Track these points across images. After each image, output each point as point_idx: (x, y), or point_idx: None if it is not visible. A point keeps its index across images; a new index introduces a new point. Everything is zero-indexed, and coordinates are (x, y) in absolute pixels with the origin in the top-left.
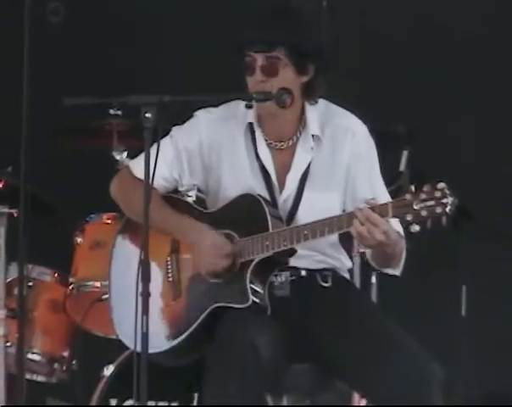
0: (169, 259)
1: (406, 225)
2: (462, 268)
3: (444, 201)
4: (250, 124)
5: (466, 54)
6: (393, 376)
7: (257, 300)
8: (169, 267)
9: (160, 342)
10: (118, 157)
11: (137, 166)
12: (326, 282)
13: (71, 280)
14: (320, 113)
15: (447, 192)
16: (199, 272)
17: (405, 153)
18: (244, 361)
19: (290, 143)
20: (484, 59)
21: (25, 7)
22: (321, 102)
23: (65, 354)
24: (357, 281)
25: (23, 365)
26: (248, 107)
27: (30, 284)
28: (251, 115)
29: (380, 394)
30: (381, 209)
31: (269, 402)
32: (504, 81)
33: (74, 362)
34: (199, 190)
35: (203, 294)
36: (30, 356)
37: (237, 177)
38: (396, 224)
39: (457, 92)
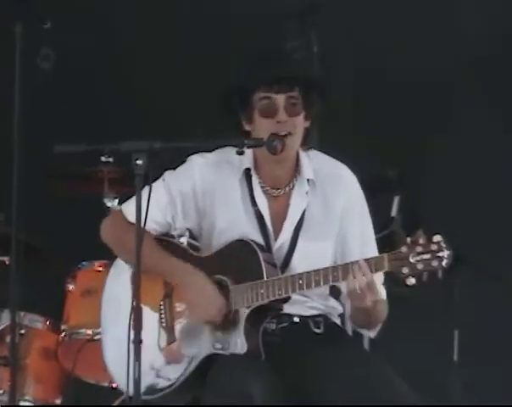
0: (162, 303)
1: (402, 277)
2: (455, 312)
3: (440, 254)
4: (247, 169)
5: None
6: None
7: (251, 347)
8: (163, 312)
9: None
10: (109, 204)
11: (129, 209)
12: (319, 328)
13: (63, 327)
14: (313, 161)
15: (443, 245)
16: (194, 318)
17: (397, 199)
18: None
19: (286, 189)
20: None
21: (16, 53)
22: (313, 150)
23: (57, 401)
24: (349, 328)
25: None
26: (239, 153)
27: (22, 332)
28: (247, 160)
29: None
30: (376, 262)
31: None
32: (496, 118)
33: None
34: (191, 235)
35: (198, 340)
36: (22, 404)
37: (232, 222)
38: (381, 287)
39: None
